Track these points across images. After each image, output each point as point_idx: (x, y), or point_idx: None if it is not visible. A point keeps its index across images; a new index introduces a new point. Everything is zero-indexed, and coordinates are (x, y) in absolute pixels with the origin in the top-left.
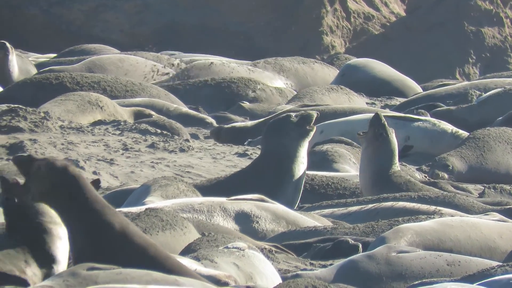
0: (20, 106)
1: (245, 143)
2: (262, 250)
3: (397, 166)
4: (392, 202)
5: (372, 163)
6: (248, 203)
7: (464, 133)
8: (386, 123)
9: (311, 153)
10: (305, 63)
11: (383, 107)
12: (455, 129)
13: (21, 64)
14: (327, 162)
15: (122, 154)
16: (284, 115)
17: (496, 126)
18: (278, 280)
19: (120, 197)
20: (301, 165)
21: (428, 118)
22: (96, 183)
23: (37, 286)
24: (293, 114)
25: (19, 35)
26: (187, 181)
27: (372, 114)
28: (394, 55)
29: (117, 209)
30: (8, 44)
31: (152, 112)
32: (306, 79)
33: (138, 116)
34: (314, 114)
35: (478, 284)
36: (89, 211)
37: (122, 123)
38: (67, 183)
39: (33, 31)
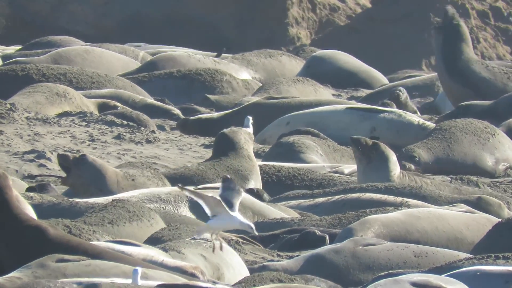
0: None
1: None
2: (229, 241)
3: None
4: (359, 193)
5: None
6: (215, 192)
7: (431, 125)
8: (364, 140)
9: (277, 145)
10: (272, 57)
11: (349, 99)
12: (421, 120)
13: None
14: (294, 153)
15: (89, 145)
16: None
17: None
18: (245, 271)
19: None
20: (253, 160)
21: (394, 109)
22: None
23: (5, 277)
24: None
25: None
26: (155, 168)
27: (338, 106)
28: (360, 47)
29: (86, 200)
30: None
31: (118, 104)
32: (274, 72)
33: (103, 107)
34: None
35: (446, 276)
36: (9, 221)
37: (88, 115)
38: None
39: None
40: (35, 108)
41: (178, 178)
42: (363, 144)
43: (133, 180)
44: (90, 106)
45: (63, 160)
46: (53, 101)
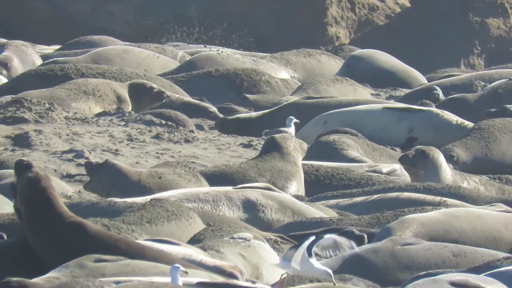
0: (25, 97)
1: (262, 133)
2: (267, 240)
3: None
4: (397, 193)
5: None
6: (254, 191)
7: (469, 124)
8: (410, 154)
9: (316, 144)
10: (311, 56)
11: (388, 98)
12: (460, 119)
13: (24, 57)
14: (336, 151)
15: (127, 144)
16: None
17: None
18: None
19: None
20: (299, 166)
21: (432, 108)
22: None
23: (43, 277)
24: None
25: (24, 26)
26: (191, 167)
27: (375, 106)
28: (399, 46)
29: (124, 199)
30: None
31: (154, 85)
32: (313, 72)
33: (135, 87)
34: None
35: (484, 275)
36: (54, 218)
37: (127, 114)
38: (39, 202)
39: (38, 23)
40: (54, 102)
41: (218, 176)
42: (411, 158)
43: (159, 178)
44: (122, 92)
45: (86, 167)
46: (76, 98)
